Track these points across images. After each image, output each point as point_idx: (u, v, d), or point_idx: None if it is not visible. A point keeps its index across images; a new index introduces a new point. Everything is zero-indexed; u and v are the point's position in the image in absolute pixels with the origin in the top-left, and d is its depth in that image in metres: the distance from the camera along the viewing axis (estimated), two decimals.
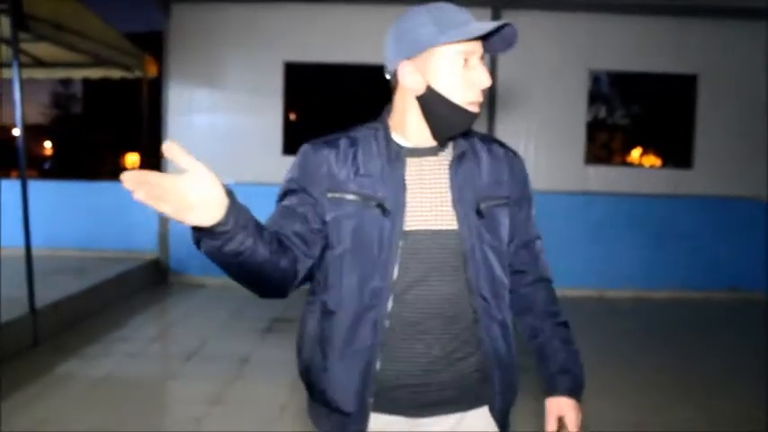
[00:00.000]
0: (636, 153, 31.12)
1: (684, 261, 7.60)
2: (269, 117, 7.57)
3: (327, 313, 1.50)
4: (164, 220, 7.70)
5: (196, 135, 7.68)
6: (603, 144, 30.80)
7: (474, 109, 1.47)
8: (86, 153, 32.78)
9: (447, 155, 1.55)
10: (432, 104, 1.46)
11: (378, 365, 1.46)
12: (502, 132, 7.56)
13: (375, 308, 1.45)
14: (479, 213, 1.53)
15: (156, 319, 6.51)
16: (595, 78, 26.11)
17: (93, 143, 33.15)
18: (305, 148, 1.54)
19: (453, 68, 1.45)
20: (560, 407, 1.60)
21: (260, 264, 1.31)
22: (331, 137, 1.56)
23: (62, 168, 32.94)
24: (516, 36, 1.55)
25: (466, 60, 1.46)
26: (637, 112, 30.29)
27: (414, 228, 1.48)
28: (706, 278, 7.61)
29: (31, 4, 4.85)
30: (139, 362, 4.92)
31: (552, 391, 1.62)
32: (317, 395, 1.55)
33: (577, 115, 7.75)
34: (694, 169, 7.77)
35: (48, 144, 38.07)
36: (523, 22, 7.49)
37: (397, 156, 1.50)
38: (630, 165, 28.19)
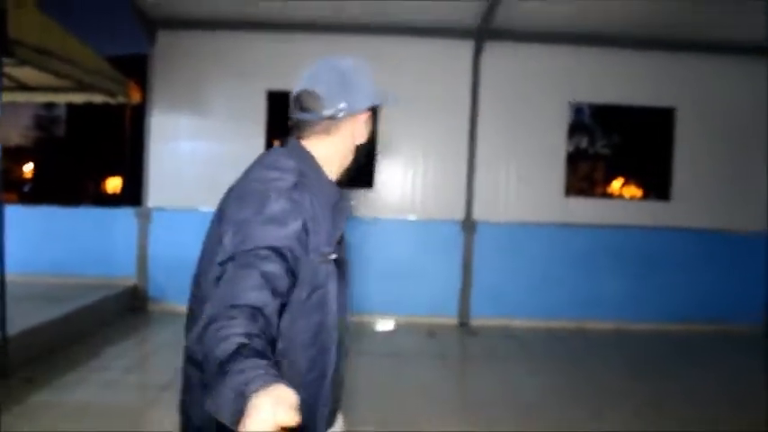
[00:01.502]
0: (617, 184, 31.44)
1: (665, 293, 7.65)
2: (252, 144, 7.56)
3: None
4: (142, 247, 7.63)
5: (178, 161, 7.66)
6: (585, 175, 31.09)
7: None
8: (68, 176, 32.50)
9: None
10: (361, 152, 1.68)
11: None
12: (482, 163, 7.63)
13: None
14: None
15: (134, 348, 6.42)
16: (577, 109, 26.57)
17: (74, 167, 32.91)
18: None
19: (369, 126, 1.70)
20: None
21: None
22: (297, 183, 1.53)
23: (42, 192, 32.64)
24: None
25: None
26: (618, 143, 30.69)
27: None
28: (687, 310, 7.65)
29: (15, 30, 4.84)
30: (116, 391, 4.84)
31: None
32: None
33: (557, 147, 7.81)
34: (673, 201, 7.84)
35: (28, 167, 37.74)
36: (505, 53, 7.62)
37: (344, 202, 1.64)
38: (610, 196, 28.47)
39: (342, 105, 1.56)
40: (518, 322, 7.57)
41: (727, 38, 7.49)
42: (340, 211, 1.58)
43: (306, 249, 1.45)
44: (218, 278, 1.38)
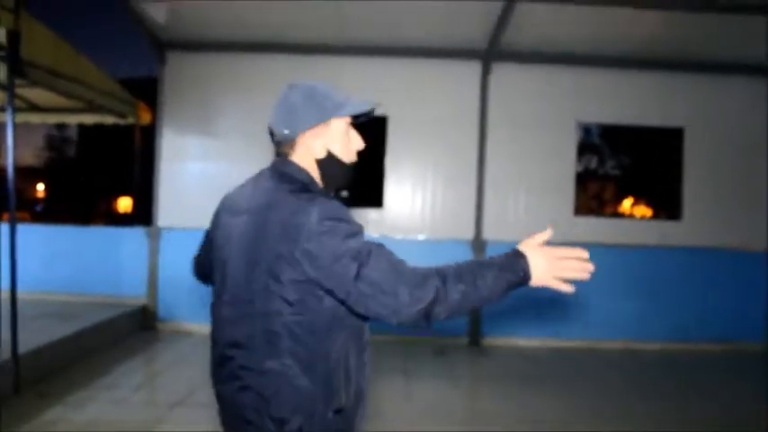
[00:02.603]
0: (627, 203, 31.35)
1: (675, 312, 7.60)
2: (261, 165, 7.57)
3: None
4: (153, 266, 7.67)
5: (188, 181, 7.71)
6: (595, 194, 31.04)
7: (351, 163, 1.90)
8: (79, 196, 32.74)
9: None
10: (329, 166, 1.85)
11: None
12: (491, 183, 7.65)
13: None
14: None
15: (143, 366, 6.43)
16: (586, 129, 26.62)
17: (86, 186, 33.15)
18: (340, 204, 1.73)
19: (354, 134, 1.91)
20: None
21: None
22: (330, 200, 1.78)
23: (54, 211, 32.86)
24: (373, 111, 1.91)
25: (347, 131, 1.88)
26: (627, 163, 30.65)
27: None
28: (696, 329, 7.60)
29: (28, 51, 4.92)
30: (125, 409, 4.84)
31: None
32: None
33: (566, 167, 7.82)
34: (683, 221, 7.82)
35: (41, 186, 38.04)
36: (513, 74, 7.67)
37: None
38: (620, 216, 28.38)
39: (286, 132, 1.82)
40: (527, 341, 7.54)
41: (734, 58, 7.52)
42: None
43: None
44: (359, 295, 1.59)
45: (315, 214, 1.61)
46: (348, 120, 1.86)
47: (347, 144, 1.87)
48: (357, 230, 1.64)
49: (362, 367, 1.83)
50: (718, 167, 7.77)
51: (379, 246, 1.62)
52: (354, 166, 1.90)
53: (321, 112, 1.79)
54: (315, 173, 1.84)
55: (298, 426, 1.65)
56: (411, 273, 1.58)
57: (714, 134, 7.77)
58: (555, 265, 1.71)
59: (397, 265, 1.59)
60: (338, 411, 1.70)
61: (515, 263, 1.68)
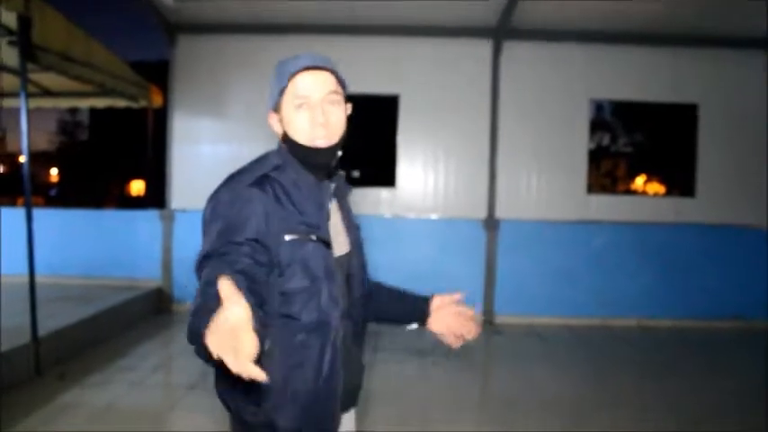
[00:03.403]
0: (640, 181, 31.16)
1: (688, 289, 7.58)
2: (272, 146, 7.59)
3: None
4: (167, 249, 7.72)
5: (200, 164, 7.73)
6: (607, 172, 30.86)
7: (321, 144, 1.63)
8: (92, 180, 32.93)
9: (331, 188, 1.71)
10: (291, 148, 1.67)
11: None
12: (503, 162, 7.62)
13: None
14: (357, 240, 1.80)
15: (160, 349, 6.50)
16: (598, 106, 26.39)
17: (98, 170, 33.34)
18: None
19: (298, 112, 1.63)
20: (442, 316, 1.94)
21: None
22: (251, 177, 1.67)
23: (68, 195, 33.09)
24: (325, 61, 1.66)
25: (303, 103, 1.62)
26: (640, 140, 30.43)
27: (337, 254, 1.68)
28: (709, 306, 7.58)
29: (39, 36, 4.93)
30: (143, 391, 4.90)
31: (425, 313, 1.96)
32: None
33: (579, 145, 7.78)
34: (697, 197, 7.77)
35: (54, 171, 38.29)
36: (524, 52, 7.61)
37: (328, 190, 1.69)
38: (633, 193, 28.20)
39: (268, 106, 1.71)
40: (541, 320, 7.55)
41: (748, 32, 7.40)
42: (321, 193, 1.66)
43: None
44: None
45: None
46: (296, 91, 1.62)
47: (300, 121, 1.63)
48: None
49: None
50: (733, 144, 7.70)
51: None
52: (331, 147, 1.64)
53: (271, 95, 1.69)
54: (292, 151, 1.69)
55: None
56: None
57: (728, 110, 7.69)
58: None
59: None
60: None
61: None
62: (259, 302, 1.35)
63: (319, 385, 1.59)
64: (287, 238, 1.54)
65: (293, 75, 1.61)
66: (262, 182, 1.59)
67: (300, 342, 1.57)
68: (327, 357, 1.60)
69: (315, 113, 1.60)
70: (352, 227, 1.79)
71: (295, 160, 1.67)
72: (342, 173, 1.76)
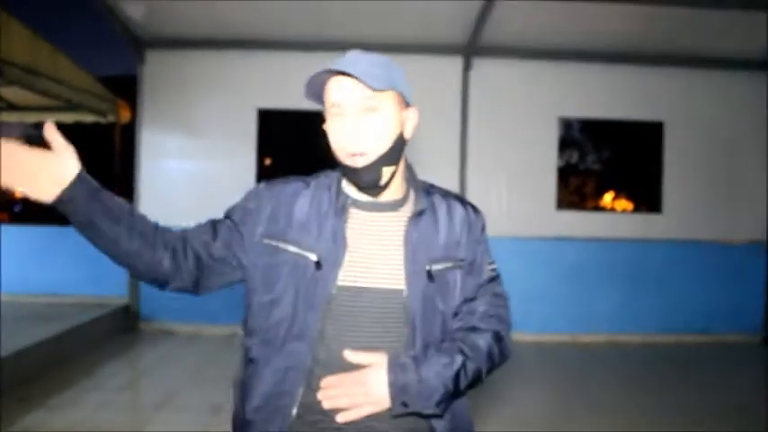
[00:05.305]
0: (608, 197, 31.52)
1: (657, 304, 7.67)
2: (242, 162, 7.56)
3: None
4: None
5: (169, 180, 7.65)
6: (576, 188, 31.18)
7: (352, 163, 1.40)
8: None
9: (407, 211, 1.52)
10: (336, 162, 1.47)
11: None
12: (473, 178, 7.65)
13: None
14: (430, 275, 1.45)
15: (127, 368, 6.37)
16: (567, 124, 26.68)
17: None
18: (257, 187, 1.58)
19: (331, 123, 1.43)
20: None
21: (111, 245, 1.56)
22: (287, 180, 1.57)
23: (33, 212, 32.47)
24: (357, 64, 1.44)
25: (339, 114, 1.40)
26: (608, 158, 30.82)
27: (349, 284, 1.41)
28: (678, 321, 7.67)
29: (4, 49, 4.85)
30: (110, 412, 4.79)
31: None
32: None
33: (548, 162, 7.85)
34: (664, 213, 7.89)
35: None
36: (494, 69, 7.68)
37: (342, 208, 1.46)
38: (602, 209, 28.52)
39: None
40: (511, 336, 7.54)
41: (713, 52, 7.57)
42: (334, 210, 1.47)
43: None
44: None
45: None
46: (330, 100, 1.43)
47: (335, 133, 1.43)
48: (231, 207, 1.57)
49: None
50: (698, 161, 7.84)
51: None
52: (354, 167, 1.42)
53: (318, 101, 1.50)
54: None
55: None
56: None
57: (693, 128, 7.83)
58: None
59: None
60: None
61: None
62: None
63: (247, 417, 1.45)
64: (265, 240, 1.45)
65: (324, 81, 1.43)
66: (288, 181, 1.54)
67: (247, 358, 1.50)
68: (263, 389, 1.42)
69: (340, 124, 1.40)
70: (424, 261, 1.47)
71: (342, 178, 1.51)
72: (422, 207, 1.54)
